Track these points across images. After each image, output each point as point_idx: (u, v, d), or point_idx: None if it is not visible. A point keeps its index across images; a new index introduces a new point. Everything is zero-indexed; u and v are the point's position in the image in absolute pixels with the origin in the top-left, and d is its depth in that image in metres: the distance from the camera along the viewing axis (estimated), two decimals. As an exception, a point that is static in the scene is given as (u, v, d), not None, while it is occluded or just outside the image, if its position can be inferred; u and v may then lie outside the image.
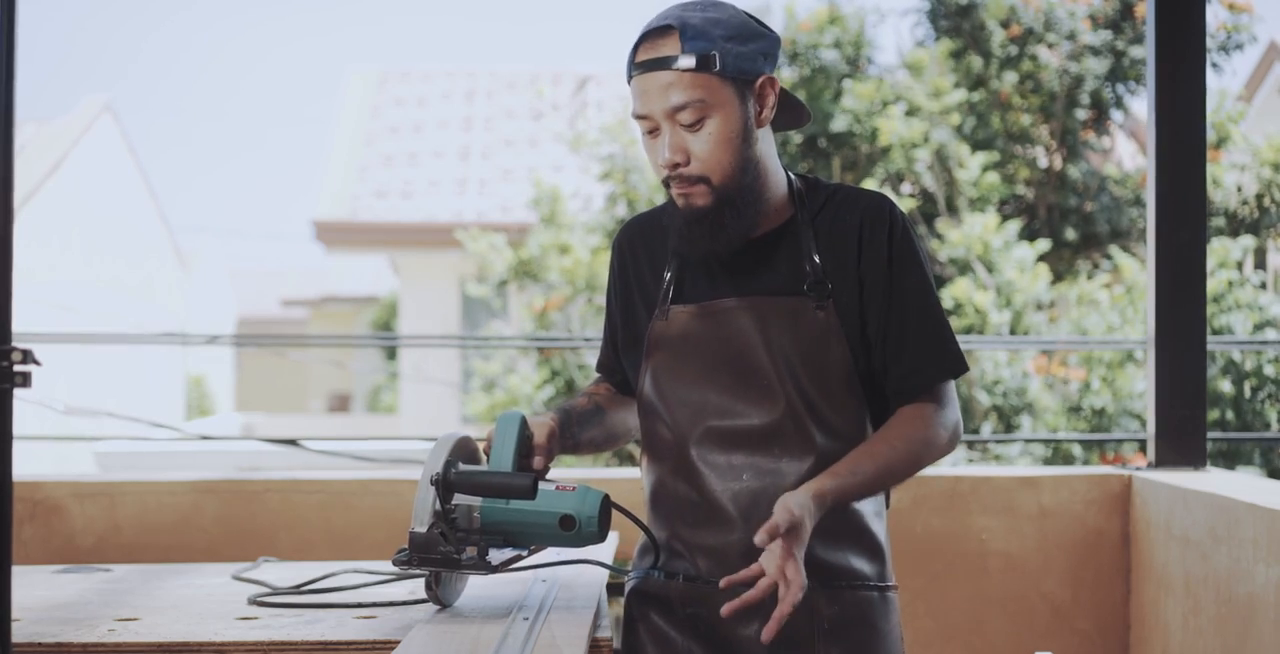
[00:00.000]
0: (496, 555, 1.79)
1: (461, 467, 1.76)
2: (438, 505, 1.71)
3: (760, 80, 1.81)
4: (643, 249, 1.97)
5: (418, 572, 1.75)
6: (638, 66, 1.79)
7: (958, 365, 1.86)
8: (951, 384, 1.87)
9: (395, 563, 1.73)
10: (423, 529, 1.70)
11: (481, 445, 1.83)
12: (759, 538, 1.62)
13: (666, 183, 1.82)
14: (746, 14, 1.83)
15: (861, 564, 1.85)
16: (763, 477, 1.81)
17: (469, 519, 1.74)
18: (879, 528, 1.88)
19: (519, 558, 1.84)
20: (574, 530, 1.73)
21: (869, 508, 1.87)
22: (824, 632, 1.80)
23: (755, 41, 1.80)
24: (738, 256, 1.86)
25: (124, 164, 15.37)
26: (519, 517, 1.74)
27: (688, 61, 1.75)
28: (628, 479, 3.06)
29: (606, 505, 1.75)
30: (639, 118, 1.80)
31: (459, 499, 1.74)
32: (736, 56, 1.77)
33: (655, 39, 1.77)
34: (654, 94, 1.77)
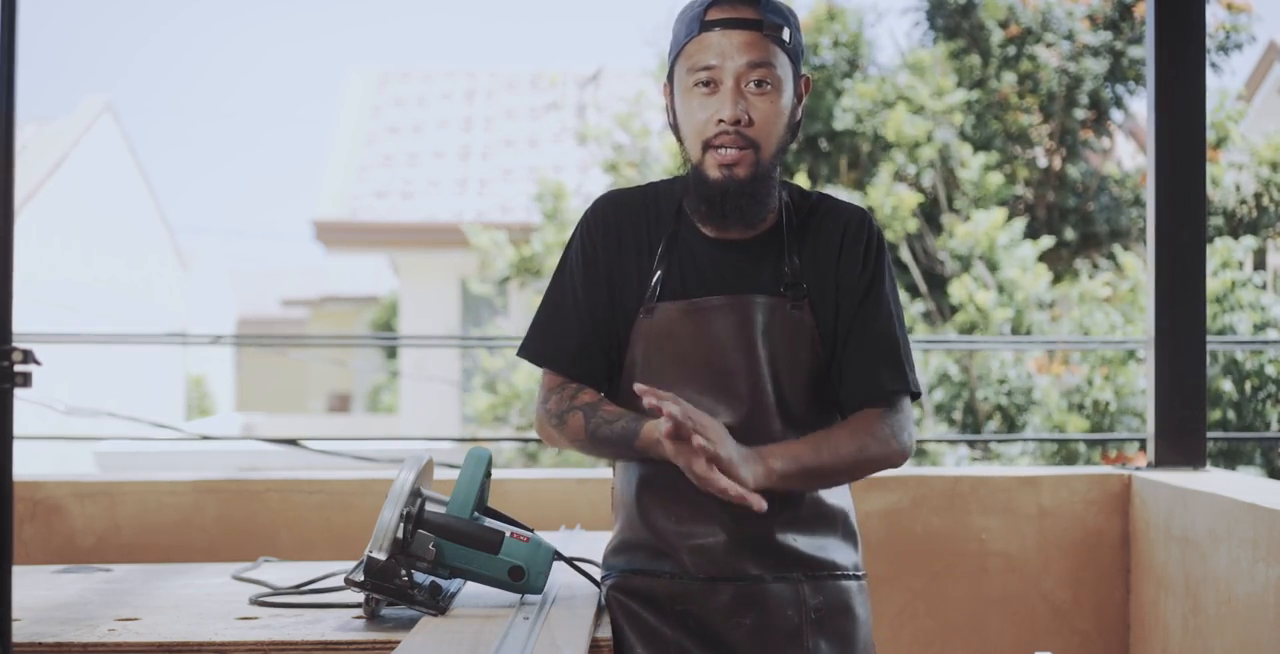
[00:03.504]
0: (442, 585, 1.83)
1: (428, 497, 1.80)
2: (399, 534, 1.73)
3: (804, 76, 1.89)
4: (630, 233, 1.92)
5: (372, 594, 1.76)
6: (717, 23, 1.81)
7: (908, 383, 1.88)
8: (908, 400, 1.89)
9: (347, 583, 1.74)
10: (382, 557, 1.72)
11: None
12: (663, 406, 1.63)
13: (707, 145, 1.82)
14: None
15: (840, 554, 1.89)
16: None
17: (425, 550, 1.76)
18: (854, 518, 1.94)
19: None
20: (521, 581, 1.79)
21: (845, 501, 1.93)
22: (811, 622, 1.84)
23: (802, 42, 1.89)
24: (725, 256, 1.88)
25: (124, 164, 15.37)
26: (474, 561, 1.78)
27: (772, 27, 1.81)
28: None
29: (554, 560, 1.82)
30: (703, 69, 1.81)
31: (421, 530, 1.77)
32: (799, 42, 1.86)
33: (735, 2, 1.82)
34: (732, 49, 1.80)
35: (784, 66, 1.83)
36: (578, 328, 1.91)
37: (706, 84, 1.81)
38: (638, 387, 1.67)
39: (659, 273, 1.88)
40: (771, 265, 1.88)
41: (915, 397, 1.91)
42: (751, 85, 1.80)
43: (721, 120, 1.80)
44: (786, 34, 1.83)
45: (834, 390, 1.89)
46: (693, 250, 1.89)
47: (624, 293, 1.90)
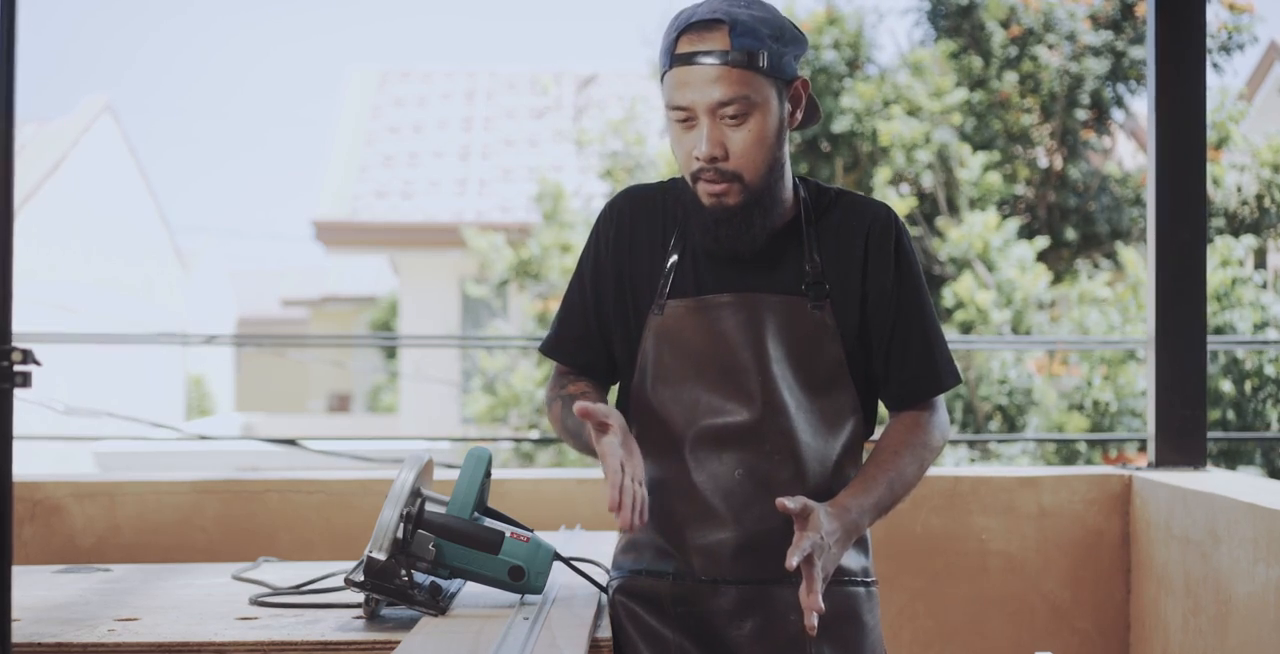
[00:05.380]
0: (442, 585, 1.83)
1: (428, 497, 1.80)
2: (399, 534, 1.73)
3: (795, 82, 1.82)
4: (644, 230, 1.92)
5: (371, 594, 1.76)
6: (682, 58, 1.76)
7: (953, 377, 1.93)
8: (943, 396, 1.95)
9: (347, 583, 1.74)
10: (382, 557, 1.71)
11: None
12: (790, 562, 1.65)
13: (694, 178, 1.81)
14: (783, 16, 1.84)
15: (849, 560, 1.87)
16: (754, 474, 1.82)
17: (425, 550, 1.77)
18: None
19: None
20: (521, 581, 1.79)
21: None
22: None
23: (792, 44, 1.81)
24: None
25: (124, 164, 15.37)
26: (474, 561, 1.78)
27: (739, 58, 1.74)
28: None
29: (553, 560, 1.82)
30: (677, 108, 1.78)
31: (421, 531, 1.77)
32: (779, 57, 1.78)
33: (702, 31, 1.76)
34: (699, 86, 1.75)
35: (762, 90, 1.77)
36: (581, 321, 1.94)
37: (684, 120, 1.78)
38: (577, 407, 1.68)
39: (671, 270, 1.88)
40: (789, 262, 1.86)
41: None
42: (727, 118, 1.76)
43: (698, 158, 1.78)
44: (762, 58, 1.76)
45: (877, 390, 1.91)
46: (720, 234, 1.86)
47: (637, 290, 1.90)
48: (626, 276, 1.91)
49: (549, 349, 1.97)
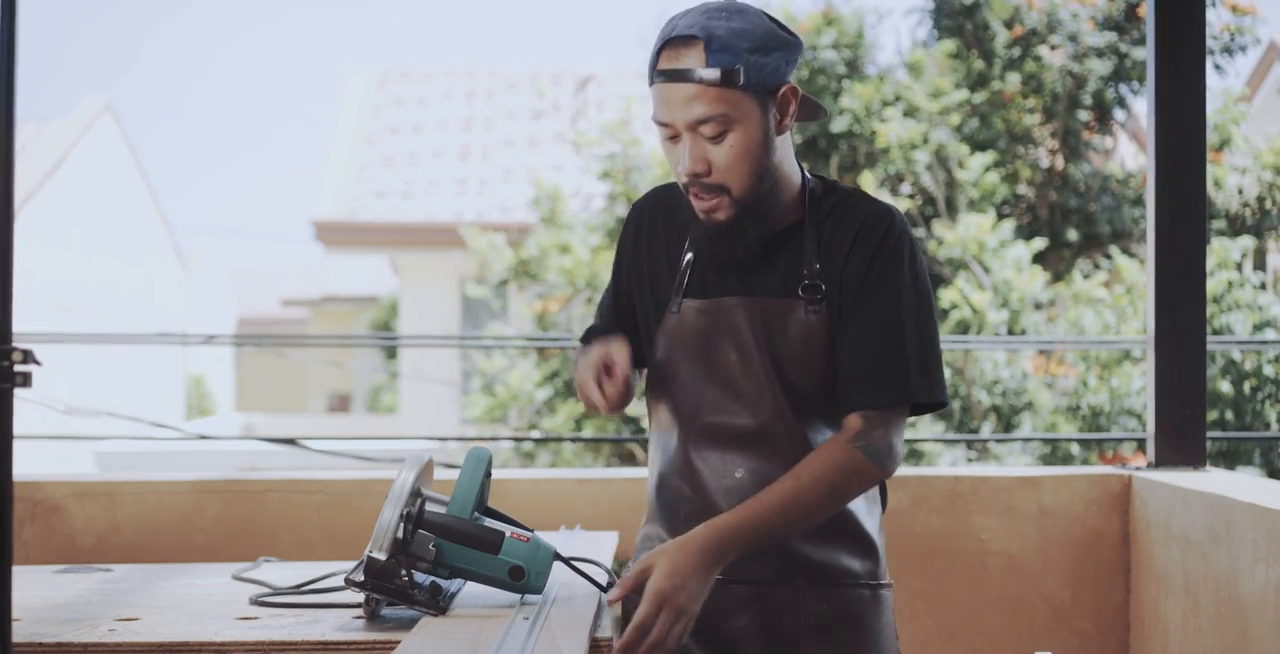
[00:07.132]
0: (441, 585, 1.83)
1: (428, 497, 1.80)
2: (399, 534, 1.73)
3: (783, 90, 1.78)
4: (662, 227, 1.94)
5: (371, 594, 1.76)
6: (660, 74, 1.75)
7: (906, 394, 1.78)
8: (898, 411, 1.79)
9: (347, 583, 1.74)
10: (382, 557, 1.71)
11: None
12: (612, 594, 1.67)
13: (685, 189, 1.82)
14: (770, 19, 1.79)
15: (853, 562, 1.86)
16: (757, 475, 1.82)
17: (425, 550, 1.76)
18: (871, 525, 1.89)
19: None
20: (521, 581, 1.79)
21: (860, 506, 1.87)
22: (812, 629, 1.82)
23: (779, 50, 1.76)
24: (743, 254, 1.87)
25: (124, 164, 15.38)
26: (474, 561, 1.78)
27: (712, 75, 1.71)
28: (629, 479, 3.05)
29: (554, 560, 1.81)
30: (660, 124, 1.78)
31: (421, 531, 1.77)
32: (760, 68, 1.74)
33: (679, 48, 1.73)
34: (676, 104, 1.74)
35: (741, 105, 1.73)
36: (614, 319, 2.00)
37: (669, 136, 1.78)
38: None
39: (686, 268, 1.90)
40: (790, 264, 1.85)
41: (936, 407, 1.82)
42: (706, 135, 1.75)
43: (682, 173, 1.78)
44: (740, 75, 1.71)
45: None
46: (713, 248, 1.87)
47: (656, 289, 1.93)
48: (647, 276, 1.94)
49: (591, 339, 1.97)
